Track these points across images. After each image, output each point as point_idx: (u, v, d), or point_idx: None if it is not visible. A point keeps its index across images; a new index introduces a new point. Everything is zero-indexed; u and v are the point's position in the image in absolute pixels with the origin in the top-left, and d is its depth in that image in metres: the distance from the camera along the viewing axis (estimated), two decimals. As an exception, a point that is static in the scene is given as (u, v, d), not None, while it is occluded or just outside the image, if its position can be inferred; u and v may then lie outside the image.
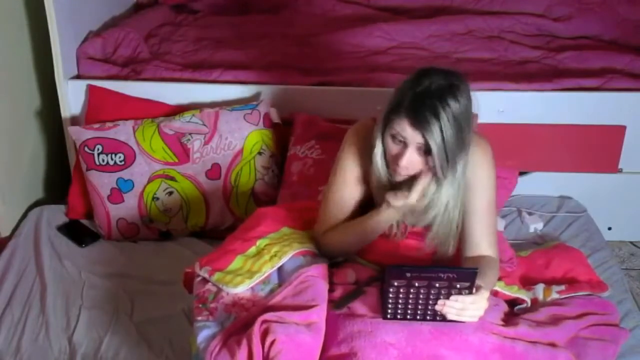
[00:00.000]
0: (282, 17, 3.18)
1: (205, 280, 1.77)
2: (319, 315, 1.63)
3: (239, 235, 1.88)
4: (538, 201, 2.54)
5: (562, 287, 1.92)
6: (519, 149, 2.54)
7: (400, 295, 1.55)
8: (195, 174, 2.36)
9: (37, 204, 2.60)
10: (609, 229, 2.63)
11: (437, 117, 1.55)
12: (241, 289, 1.71)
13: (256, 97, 2.52)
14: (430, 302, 1.56)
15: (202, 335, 1.64)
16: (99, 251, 2.32)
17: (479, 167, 1.74)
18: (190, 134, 2.36)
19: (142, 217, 2.35)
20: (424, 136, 1.56)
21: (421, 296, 1.55)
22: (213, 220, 2.38)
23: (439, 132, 1.55)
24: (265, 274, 1.74)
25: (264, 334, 1.56)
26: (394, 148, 1.64)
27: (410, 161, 1.62)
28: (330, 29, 2.97)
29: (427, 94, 1.57)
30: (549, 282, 1.95)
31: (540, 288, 1.92)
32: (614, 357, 1.74)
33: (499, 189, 2.09)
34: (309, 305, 1.63)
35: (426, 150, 1.60)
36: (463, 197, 1.72)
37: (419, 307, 1.57)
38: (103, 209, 2.35)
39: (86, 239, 2.36)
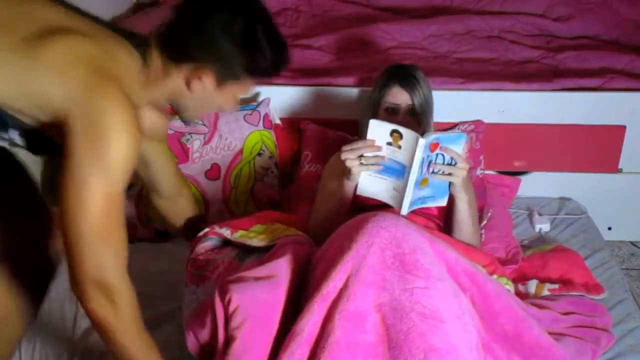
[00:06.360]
0: (282, 17, 3.18)
1: (208, 249, 1.85)
2: (279, 268, 1.62)
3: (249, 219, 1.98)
4: (538, 202, 2.53)
5: (556, 286, 1.92)
6: (519, 149, 2.54)
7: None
8: (195, 174, 2.36)
9: (36, 204, 2.59)
10: (609, 229, 2.63)
11: (417, 78, 1.98)
12: (262, 244, 1.81)
13: (256, 97, 2.52)
14: None
15: (187, 303, 1.74)
16: (98, 251, 2.31)
17: None
18: (190, 133, 2.36)
19: (141, 216, 2.35)
20: (411, 96, 1.95)
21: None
22: (212, 220, 2.38)
23: (420, 90, 1.97)
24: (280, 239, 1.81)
25: (223, 294, 1.57)
26: (390, 119, 1.90)
27: (406, 122, 1.89)
28: (330, 28, 2.97)
29: (403, 66, 2.07)
30: (544, 281, 1.95)
31: (533, 284, 1.92)
32: (592, 356, 1.72)
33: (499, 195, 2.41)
34: (270, 260, 1.66)
35: (412, 110, 1.97)
36: None
37: None
38: (103, 209, 2.35)
39: (86, 239, 2.35)
